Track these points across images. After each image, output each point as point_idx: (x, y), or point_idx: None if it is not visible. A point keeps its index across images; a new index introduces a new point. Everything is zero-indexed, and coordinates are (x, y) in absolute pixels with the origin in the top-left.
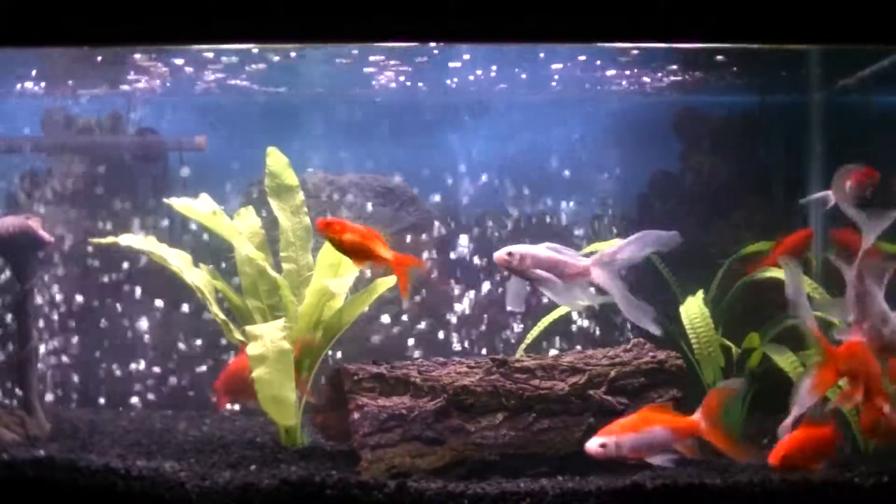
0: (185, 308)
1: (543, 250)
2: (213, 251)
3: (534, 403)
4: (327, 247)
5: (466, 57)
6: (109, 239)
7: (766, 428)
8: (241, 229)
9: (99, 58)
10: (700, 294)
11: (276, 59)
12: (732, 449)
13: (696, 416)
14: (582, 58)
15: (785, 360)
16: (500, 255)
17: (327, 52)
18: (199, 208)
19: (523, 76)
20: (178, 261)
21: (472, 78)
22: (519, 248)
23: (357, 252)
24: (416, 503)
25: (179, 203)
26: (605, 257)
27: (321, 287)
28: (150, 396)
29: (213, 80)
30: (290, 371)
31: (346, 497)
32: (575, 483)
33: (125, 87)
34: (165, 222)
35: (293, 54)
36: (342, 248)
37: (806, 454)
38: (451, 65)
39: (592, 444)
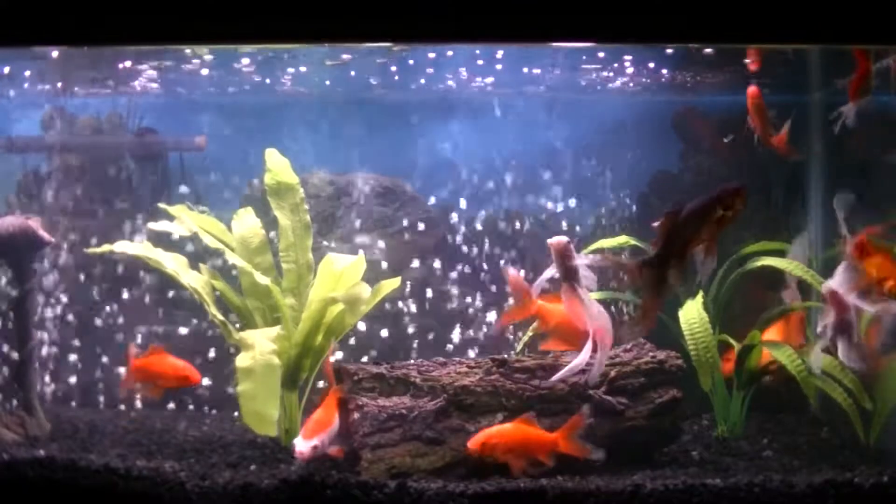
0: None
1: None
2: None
3: (534, 403)
4: (329, 255)
5: (450, 54)
6: (104, 247)
7: (766, 428)
8: (239, 230)
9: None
10: (700, 297)
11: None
12: None
13: None
14: (580, 56)
15: (784, 354)
16: (560, 239)
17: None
18: (190, 217)
19: (522, 73)
20: (174, 264)
21: (467, 76)
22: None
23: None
24: (416, 503)
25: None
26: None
27: (324, 295)
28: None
29: (213, 76)
30: (275, 387)
31: (346, 497)
32: (575, 483)
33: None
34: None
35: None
36: None
37: (506, 447)
38: (443, 60)
39: None
